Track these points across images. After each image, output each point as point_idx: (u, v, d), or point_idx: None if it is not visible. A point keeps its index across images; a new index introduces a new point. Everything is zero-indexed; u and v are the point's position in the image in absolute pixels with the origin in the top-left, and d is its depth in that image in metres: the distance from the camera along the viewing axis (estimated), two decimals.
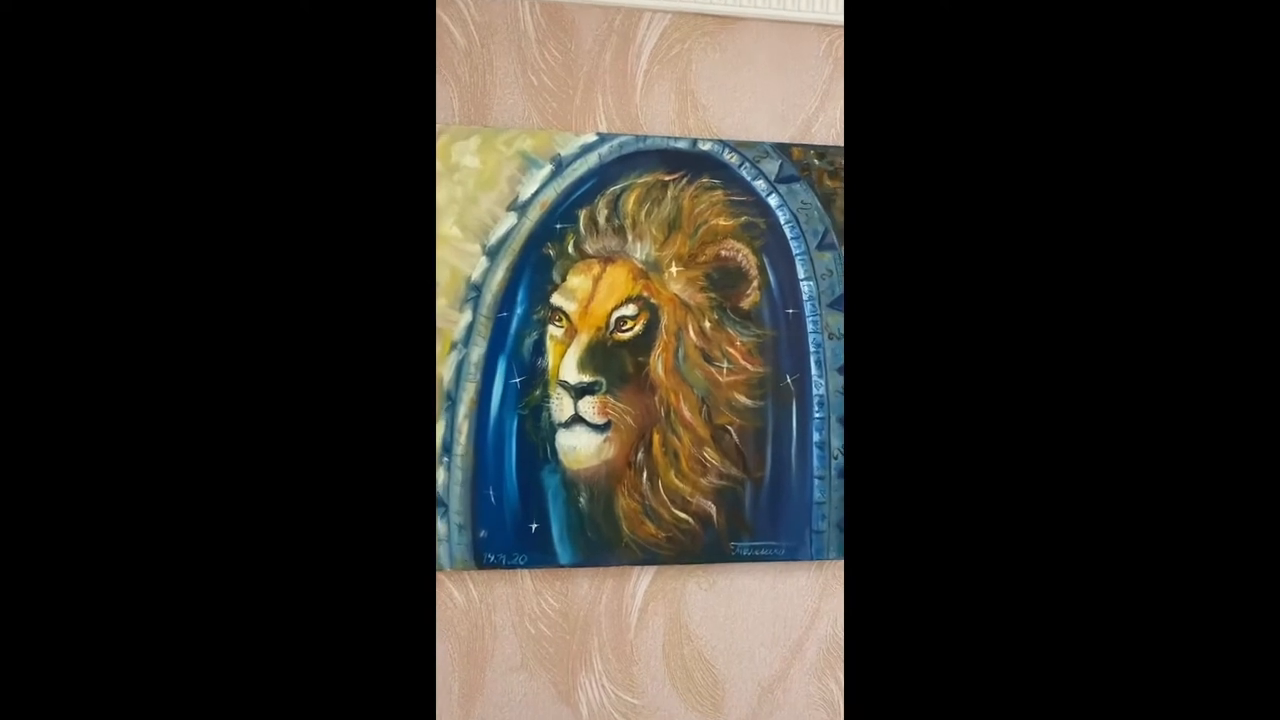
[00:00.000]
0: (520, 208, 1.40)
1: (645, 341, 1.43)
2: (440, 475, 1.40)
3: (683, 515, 1.44)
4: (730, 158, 1.44)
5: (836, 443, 1.47)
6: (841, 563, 1.57)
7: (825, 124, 1.50)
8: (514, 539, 1.41)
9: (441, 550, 1.40)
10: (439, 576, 1.43)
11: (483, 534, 1.40)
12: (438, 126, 1.38)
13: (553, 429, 1.41)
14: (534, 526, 1.42)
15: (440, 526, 1.40)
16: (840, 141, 1.51)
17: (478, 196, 1.39)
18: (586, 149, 1.41)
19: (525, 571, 1.44)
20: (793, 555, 1.47)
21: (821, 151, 1.45)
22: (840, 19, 1.48)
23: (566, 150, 1.40)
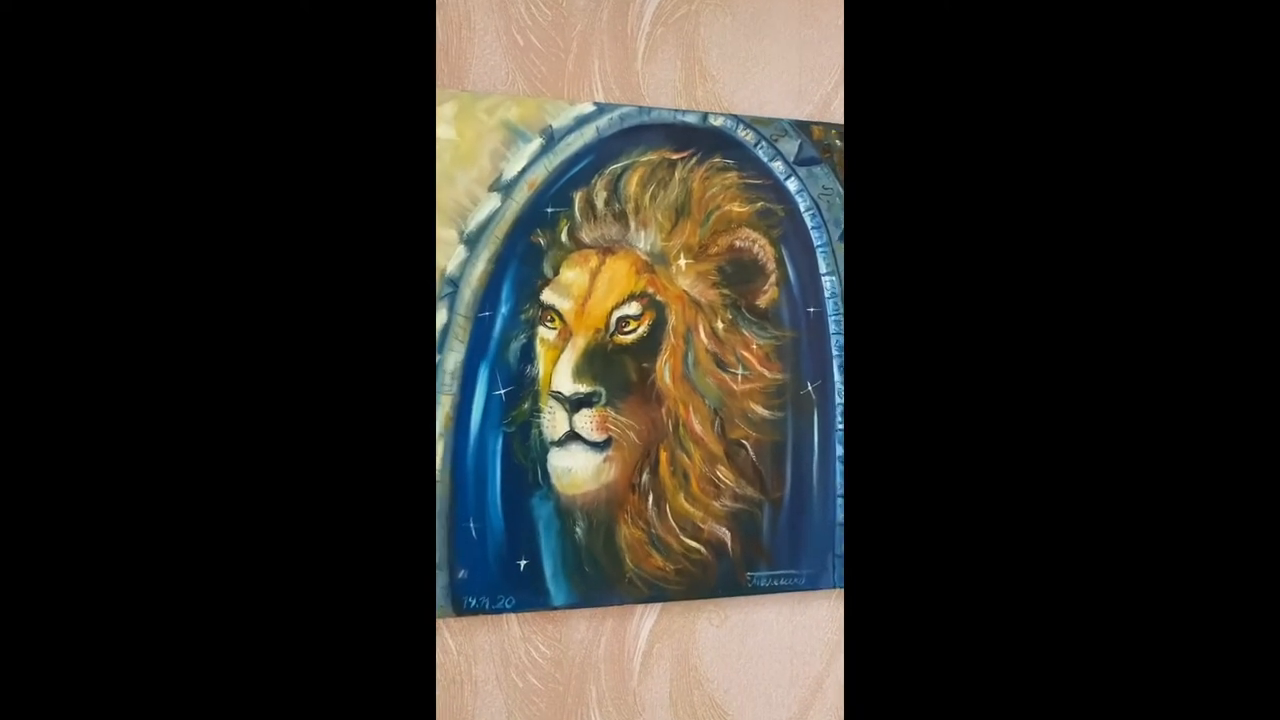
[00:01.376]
0: (505, 188, 1.19)
1: (650, 345, 1.24)
2: None
3: (693, 544, 1.26)
4: (745, 135, 1.26)
5: None
6: None
7: (844, 102, 1.35)
8: (499, 579, 1.20)
9: None
10: None
11: (462, 574, 1.18)
12: None
13: (544, 448, 1.21)
14: (523, 563, 1.20)
15: None
16: None
17: (454, 174, 1.17)
18: (582, 120, 1.21)
19: (512, 616, 1.23)
20: (814, 584, 1.31)
21: (843, 131, 1.30)
22: None
23: (559, 121, 1.20)
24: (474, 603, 1.19)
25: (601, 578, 1.23)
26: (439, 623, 1.20)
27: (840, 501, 1.32)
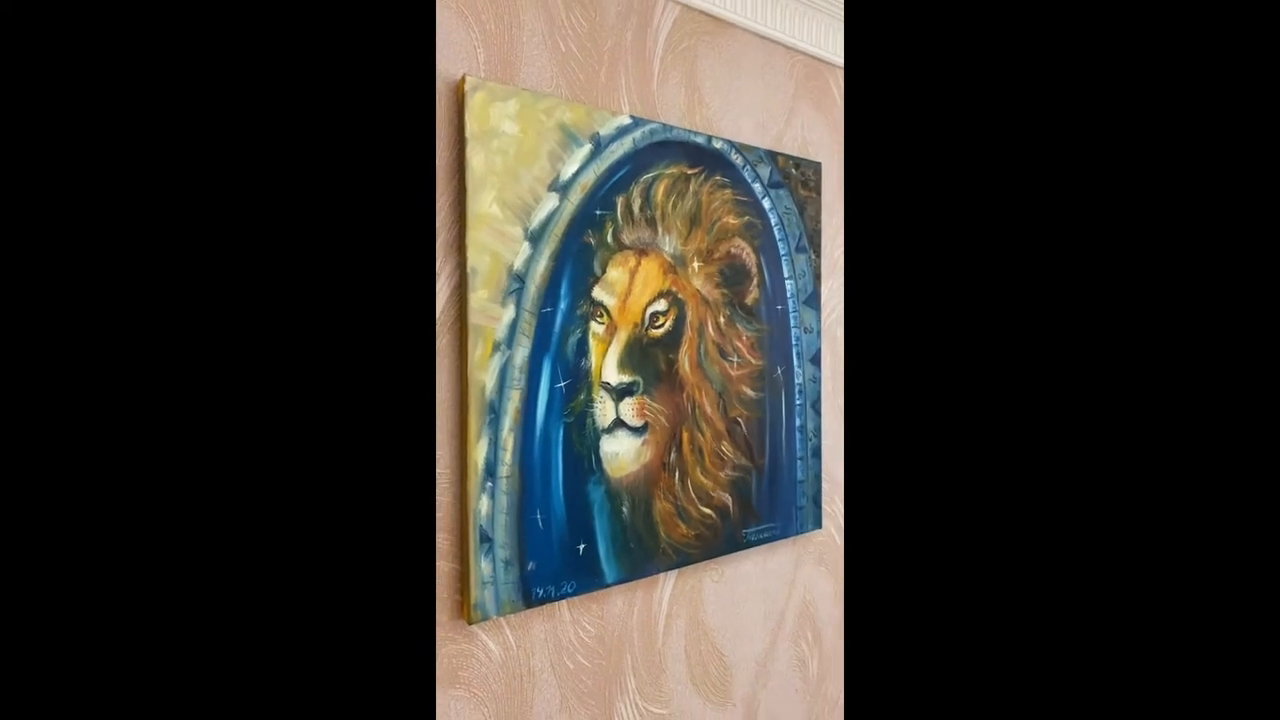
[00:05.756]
0: (562, 188, 1.24)
1: (674, 338, 1.39)
2: (484, 504, 1.16)
3: (707, 511, 1.44)
4: (736, 158, 1.48)
5: (811, 425, 1.63)
6: (815, 534, 1.73)
7: (791, 137, 1.64)
8: (561, 565, 1.24)
9: (487, 595, 1.16)
10: (473, 630, 1.18)
11: (531, 566, 1.21)
12: (468, 79, 1.13)
13: (596, 436, 1.28)
14: (582, 547, 1.27)
15: (485, 567, 1.16)
16: (805, 155, 1.67)
17: (519, 171, 1.18)
18: (622, 131, 1.31)
19: (563, 602, 1.27)
20: (783, 533, 1.58)
21: (796, 162, 1.59)
22: (804, 46, 1.63)
23: (604, 130, 1.28)
24: (541, 593, 1.22)
25: (642, 551, 1.34)
26: (499, 621, 1.20)
27: (800, 463, 1.61)
